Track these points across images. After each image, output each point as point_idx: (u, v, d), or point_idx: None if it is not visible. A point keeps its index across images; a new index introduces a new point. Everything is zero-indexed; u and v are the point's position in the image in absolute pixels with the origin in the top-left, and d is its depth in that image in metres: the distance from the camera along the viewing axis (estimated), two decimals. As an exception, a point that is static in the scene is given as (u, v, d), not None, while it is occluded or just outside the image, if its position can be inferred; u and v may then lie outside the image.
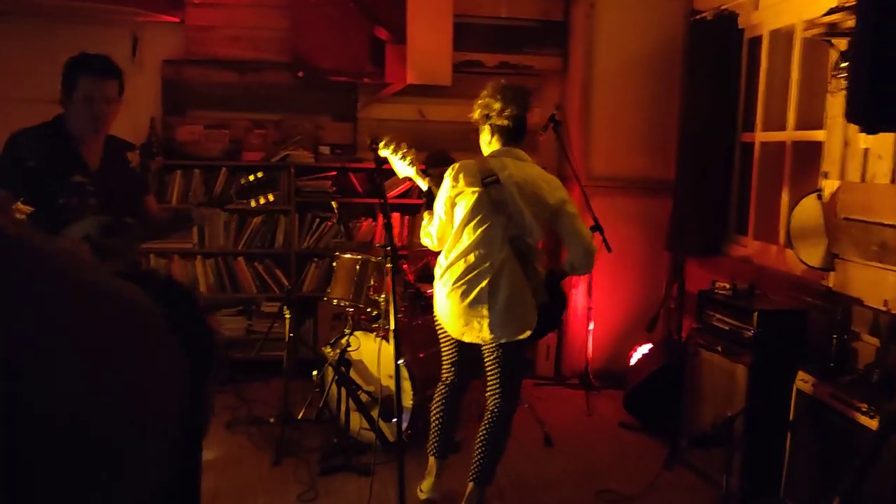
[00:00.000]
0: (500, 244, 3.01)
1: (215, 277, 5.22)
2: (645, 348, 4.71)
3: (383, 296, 3.92)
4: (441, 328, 3.26)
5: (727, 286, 3.72)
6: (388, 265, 2.69)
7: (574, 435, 4.27)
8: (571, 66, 5.44)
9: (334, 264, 4.14)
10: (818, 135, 3.76)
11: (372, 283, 3.99)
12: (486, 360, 3.18)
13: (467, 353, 3.24)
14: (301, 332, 5.26)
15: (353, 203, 5.29)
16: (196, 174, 5.15)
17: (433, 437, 3.34)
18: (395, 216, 5.37)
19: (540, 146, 5.45)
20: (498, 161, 3.09)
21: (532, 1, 5.48)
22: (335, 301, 4.05)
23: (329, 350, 3.97)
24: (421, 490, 3.39)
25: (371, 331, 3.92)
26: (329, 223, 5.26)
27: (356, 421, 3.85)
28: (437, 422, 3.33)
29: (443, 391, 3.33)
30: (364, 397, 3.81)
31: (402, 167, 3.10)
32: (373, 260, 4.01)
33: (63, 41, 5.19)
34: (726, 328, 3.62)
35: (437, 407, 3.33)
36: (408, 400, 3.81)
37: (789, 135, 4.05)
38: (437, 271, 3.16)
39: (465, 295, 3.03)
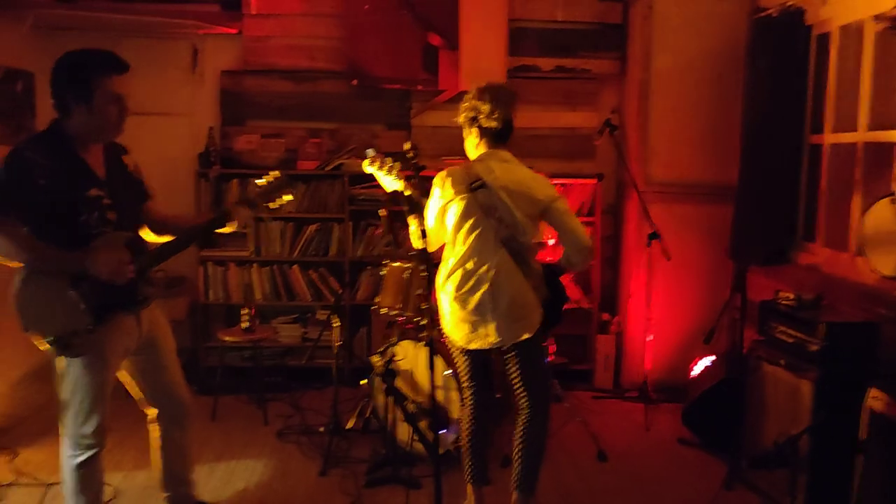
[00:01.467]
0: (495, 247, 2.98)
1: (271, 285, 5.27)
2: (707, 360, 4.51)
3: (431, 304, 3.86)
4: (450, 343, 3.18)
5: (791, 296, 3.52)
6: (423, 272, 2.60)
7: (630, 450, 4.11)
8: (629, 69, 5.29)
9: (383, 273, 4.11)
10: (892, 135, 3.54)
11: (420, 291, 3.93)
12: (506, 366, 3.13)
13: (479, 363, 3.17)
14: (355, 341, 5.27)
15: (405, 211, 5.25)
16: (252, 183, 5.20)
17: (467, 463, 3.22)
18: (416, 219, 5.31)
19: (596, 151, 5.33)
20: (483, 165, 3.04)
21: (589, 4, 5.35)
22: (383, 310, 4.02)
23: (377, 359, 3.93)
24: None
25: (419, 340, 3.87)
26: (378, 231, 5.24)
27: (404, 431, 3.80)
28: (467, 446, 3.21)
29: (468, 414, 3.21)
30: (411, 407, 3.75)
31: (389, 182, 3.03)
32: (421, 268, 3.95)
33: (127, 55, 5.35)
34: (790, 341, 3.42)
35: (465, 430, 3.23)
36: (455, 411, 3.74)
37: (861, 136, 3.81)
38: (439, 280, 3.11)
39: (467, 302, 3.00)
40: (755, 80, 4.48)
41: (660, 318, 4.90)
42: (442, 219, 3.05)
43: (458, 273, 3.01)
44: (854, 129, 3.86)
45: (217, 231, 2.88)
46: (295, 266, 5.27)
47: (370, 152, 3.03)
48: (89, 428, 2.71)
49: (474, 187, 2.97)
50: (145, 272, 2.73)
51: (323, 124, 5.44)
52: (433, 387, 2.55)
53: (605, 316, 5.33)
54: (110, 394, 2.80)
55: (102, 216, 2.61)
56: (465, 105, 3.09)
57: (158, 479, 3.11)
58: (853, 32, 3.92)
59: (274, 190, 2.94)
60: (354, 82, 5.31)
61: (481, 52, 5.12)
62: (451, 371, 3.74)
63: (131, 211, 2.78)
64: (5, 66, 4.75)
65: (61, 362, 2.64)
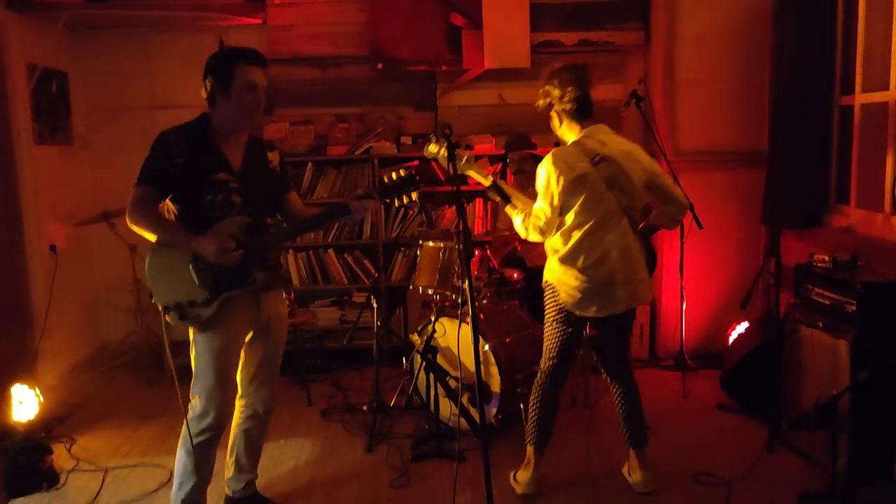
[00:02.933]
0: (618, 217, 3.09)
1: (307, 270, 5.37)
2: (742, 327, 4.53)
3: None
4: (560, 313, 3.18)
5: (826, 258, 3.52)
6: (460, 248, 2.65)
7: (669, 418, 4.15)
8: (654, 40, 5.27)
9: (418, 252, 4.18)
10: (924, 93, 3.51)
11: (456, 269, 4.00)
12: (615, 331, 3.29)
13: (578, 335, 3.24)
14: (392, 321, 5.36)
15: (437, 192, 5.32)
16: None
17: (534, 427, 3.31)
18: (478, 202, 5.37)
19: (624, 123, 5.32)
20: (593, 140, 3.10)
21: (611, -25, 5.33)
22: (420, 289, 4.09)
23: (416, 337, 4.01)
24: (516, 481, 3.37)
25: (456, 317, 3.94)
26: (412, 212, 5.31)
27: (446, 407, 3.88)
28: (538, 412, 3.29)
29: (545, 381, 3.28)
30: (452, 383, 3.83)
31: (459, 166, 3.09)
32: (456, 246, 4.02)
33: (156, 50, 5.48)
34: (827, 303, 3.44)
35: (540, 396, 3.29)
36: (496, 385, 3.81)
37: (893, 94, 3.78)
38: (558, 257, 3.12)
39: (598, 272, 3.06)
40: (783, 43, 4.45)
41: (693, 286, 4.92)
42: (565, 199, 3.04)
43: (587, 245, 3.06)
44: (885, 89, 3.83)
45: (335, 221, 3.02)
46: (330, 250, 5.36)
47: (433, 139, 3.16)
48: (207, 411, 2.85)
49: (596, 161, 3.03)
50: (258, 256, 2.84)
51: (350, 109, 5.51)
52: (478, 362, 2.60)
53: (639, 287, 5.35)
54: (235, 373, 2.96)
55: (228, 199, 2.79)
56: (540, 91, 3.17)
57: (224, 463, 3.23)
58: (881, -10, 3.88)
59: (402, 186, 2.93)
60: (380, 66, 5.36)
61: (504, 29, 5.13)
62: (489, 346, 3.81)
63: (262, 199, 2.92)
64: (41, 66, 4.87)
65: (189, 339, 2.86)
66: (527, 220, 3.12)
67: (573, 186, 3.01)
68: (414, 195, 2.96)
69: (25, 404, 3.97)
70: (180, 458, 2.94)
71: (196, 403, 2.87)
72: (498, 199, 3.21)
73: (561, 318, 3.19)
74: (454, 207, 5.37)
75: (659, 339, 5.24)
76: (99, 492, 3.49)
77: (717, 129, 5.00)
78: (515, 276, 4.42)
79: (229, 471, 3.23)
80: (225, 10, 5.13)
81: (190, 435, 2.87)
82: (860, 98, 4.07)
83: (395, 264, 5.38)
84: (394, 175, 2.91)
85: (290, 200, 3.08)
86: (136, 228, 2.75)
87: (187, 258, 2.74)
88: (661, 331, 5.22)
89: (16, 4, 4.60)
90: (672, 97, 5.04)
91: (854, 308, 3.24)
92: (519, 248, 4.96)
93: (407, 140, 5.41)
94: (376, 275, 5.16)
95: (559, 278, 3.15)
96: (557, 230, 3.10)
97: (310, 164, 5.31)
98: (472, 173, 3.19)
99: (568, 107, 3.09)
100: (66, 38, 5.19)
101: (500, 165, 5.31)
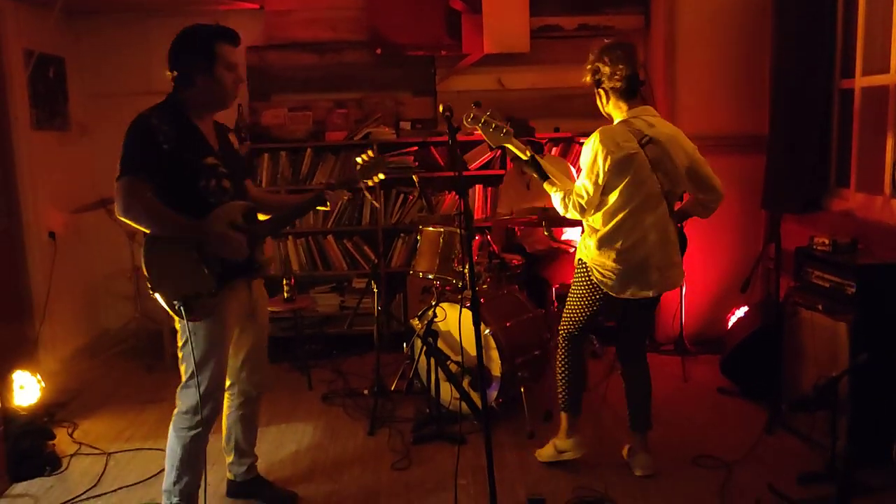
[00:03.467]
0: (659, 199, 3.09)
1: (307, 256, 5.37)
2: (742, 311, 4.54)
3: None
4: (593, 292, 3.18)
5: (826, 241, 3.53)
6: (462, 232, 2.64)
7: (670, 401, 4.17)
8: (654, 24, 5.26)
9: (418, 238, 4.18)
10: (925, 75, 3.50)
11: (456, 254, 4.00)
12: (639, 315, 3.30)
13: (605, 311, 3.26)
14: (392, 306, 5.37)
15: (436, 177, 5.32)
16: (283, 156, 5.30)
17: (566, 392, 3.33)
18: (478, 188, 5.36)
19: (623, 108, 5.31)
20: (641, 121, 3.09)
21: (610, -42, 5.31)
22: (420, 274, 4.09)
23: (417, 322, 4.02)
24: (561, 451, 3.39)
25: (457, 302, 3.94)
26: (412, 197, 5.30)
27: (447, 391, 3.89)
28: (568, 375, 3.32)
29: (569, 346, 3.31)
30: (453, 367, 3.84)
31: (498, 138, 3.05)
32: (456, 231, 4.02)
33: (152, 34, 5.44)
34: (827, 286, 3.45)
35: (568, 361, 3.32)
36: (496, 369, 3.82)
37: (894, 78, 3.78)
38: (597, 237, 3.10)
39: (637, 254, 3.07)
40: (783, 26, 4.44)
41: (693, 270, 4.91)
42: (610, 178, 3.01)
43: (628, 226, 3.05)
44: (886, 72, 3.83)
45: (315, 209, 3.03)
46: (329, 236, 5.36)
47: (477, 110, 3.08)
48: (206, 402, 2.77)
49: (644, 142, 3.02)
50: (260, 241, 2.86)
51: (349, 94, 5.49)
52: (480, 346, 2.61)
53: (638, 272, 5.36)
54: (227, 363, 2.90)
55: (220, 184, 2.74)
56: (588, 67, 3.14)
57: (223, 447, 3.23)
58: (882, -28, 3.86)
59: (371, 168, 3.01)
60: (378, 51, 5.34)
61: (504, 14, 5.10)
62: (489, 330, 3.81)
63: (242, 183, 2.90)
64: (38, 51, 4.84)
65: (183, 332, 2.73)
66: (567, 198, 3.09)
67: (620, 166, 2.99)
68: (381, 175, 3.04)
69: (27, 390, 3.97)
70: (175, 452, 2.85)
71: (191, 395, 2.77)
72: (535, 174, 3.18)
73: (594, 296, 3.19)
74: (454, 193, 5.37)
75: (659, 323, 5.25)
76: (101, 475, 3.50)
77: (718, 113, 5.00)
78: (515, 261, 4.42)
79: (229, 457, 3.23)
80: (222, -6, 5.11)
81: (186, 427, 2.81)
82: (860, 81, 4.07)
83: (395, 250, 5.38)
84: (361, 159, 2.99)
85: (249, 186, 3.03)
86: (131, 222, 2.60)
87: (189, 249, 2.65)
88: (662, 315, 5.22)
89: (12, -11, 4.58)
90: (672, 82, 5.02)
91: (853, 290, 3.25)
92: (519, 234, 4.96)
93: (406, 125, 5.40)
94: (376, 260, 5.17)
95: (594, 258, 3.13)
96: (599, 209, 3.08)
97: (308, 149, 5.29)
98: (510, 147, 3.12)
99: (618, 85, 3.06)
100: (62, 23, 5.16)
101: (499, 151, 5.30)
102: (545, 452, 3.47)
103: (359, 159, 3.03)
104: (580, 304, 3.25)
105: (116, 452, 3.73)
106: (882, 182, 3.86)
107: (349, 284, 5.47)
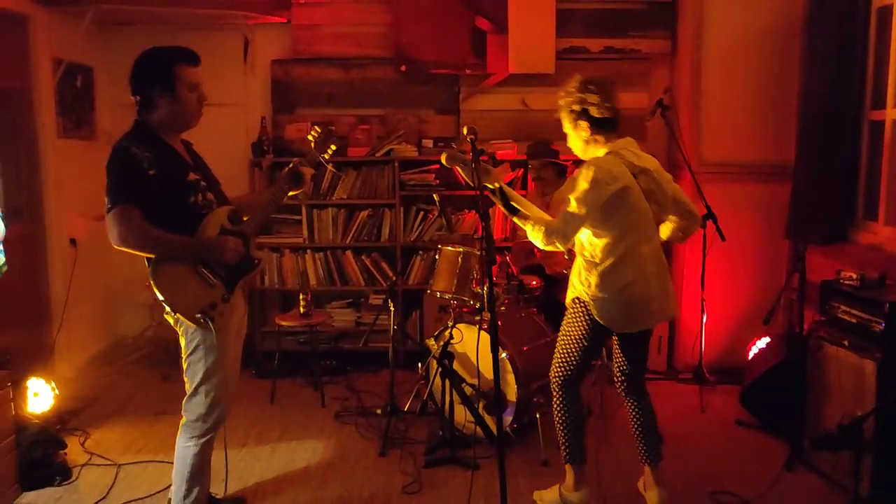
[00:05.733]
0: (654, 230, 3.09)
1: (325, 271, 5.36)
2: (763, 342, 4.46)
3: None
4: (591, 332, 3.08)
5: (854, 276, 3.45)
6: (482, 254, 2.59)
7: (686, 432, 4.09)
8: (680, 48, 5.22)
9: (437, 257, 4.15)
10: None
11: (475, 275, 3.97)
12: (638, 346, 3.22)
13: (601, 348, 3.21)
14: (408, 324, 5.33)
15: (456, 195, 5.30)
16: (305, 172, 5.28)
17: (569, 443, 3.20)
18: (498, 207, 5.32)
19: (648, 132, 5.28)
20: (629, 152, 3.03)
21: (637, -18, 5.29)
22: (438, 293, 4.06)
23: (433, 342, 3.98)
24: (567, 501, 3.24)
25: (474, 323, 3.90)
26: (432, 215, 5.29)
27: (461, 413, 3.85)
28: (567, 426, 3.19)
29: (564, 393, 3.19)
30: (468, 390, 3.79)
31: (475, 177, 2.88)
32: (475, 252, 3.99)
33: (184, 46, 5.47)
34: (853, 321, 3.37)
35: (565, 410, 3.19)
36: (512, 394, 3.77)
37: (925, 111, 3.72)
38: (599, 270, 3.00)
39: (644, 285, 3.01)
40: (812, 55, 4.39)
41: (713, 299, 4.86)
42: (607, 210, 2.93)
43: (629, 258, 2.99)
44: (918, 104, 3.76)
45: (290, 193, 3.06)
46: (348, 252, 5.35)
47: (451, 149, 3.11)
48: (215, 408, 2.83)
49: (637, 173, 2.98)
50: (252, 239, 2.91)
51: (372, 111, 5.49)
52: (497, 370, 2.57)
53: (658, 298, 5.29)
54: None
55: (205, 197, 2.81)
56: (569, 98, 3.03)
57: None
58: (917, 4, 3.81)
59: (323, 141, 3.12)
60: (403, 68, 5.34)
61: (530, 34, 5.09)
62: (507, 354, 3.77)
63: (220, 192, 2.95)
64: (67, 60, 4.89)
65: (192, 341, 2.77)
66: (550, 228, 2.97)
67: (617, 198, 2.92)
68: (333, 147, 3.16)
69: (41, 397, 3.97)
70: (184, 464, 2.87)
71: (201, 403, 2.81)
72: (516, 219, 3.04)
73: (590, 336, 3.08)
74: (473, 211, 5.34)
75: (677, 351, 5.18)
76: (111, 487, 3.48)
77: (743, 140, 4.94)
78: (534, 283, 4.38)
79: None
80: (250, 8, 5.13)
81: (196, 436, 2.85)
82: (891, 113, 4.00)
83: (413, 267, 5.36)
84: (311, 136, 3.11)
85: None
86: (130, 251, 2.62)
87: (193, 262, 2.69)
88: (680, 343, 5.16)
89: (44, -2, 4.63)
90: (697, 107, 4.98)
91: (882, 327, 3.17)
92: (538, 255, 4.92)
93: (428, 143, 5.39)
94: (393, 277, 5.14)
95: (596, 294, 3.01)
96: (600, 242, 3.00)
97: (330, 164, 5.28)
98: (487, 184, 3.03)
99: (607, 115, 2.99)
100: (92, 34, 5.21)
101: (521, 171, 5.28)
102: (547, 497, 3.31)
103: (310, 137, 3.13)
104: (577, 347, 3.12)
105: (127, 464, 3.71)
106: (912, 216, 3.79)
107: (366, 300, 5.45)
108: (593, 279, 3.02)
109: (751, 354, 4.50)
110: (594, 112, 2.98)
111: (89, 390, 4.72)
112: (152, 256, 2.64)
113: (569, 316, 3.15)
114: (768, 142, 4.91)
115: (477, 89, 5.44)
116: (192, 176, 2.78)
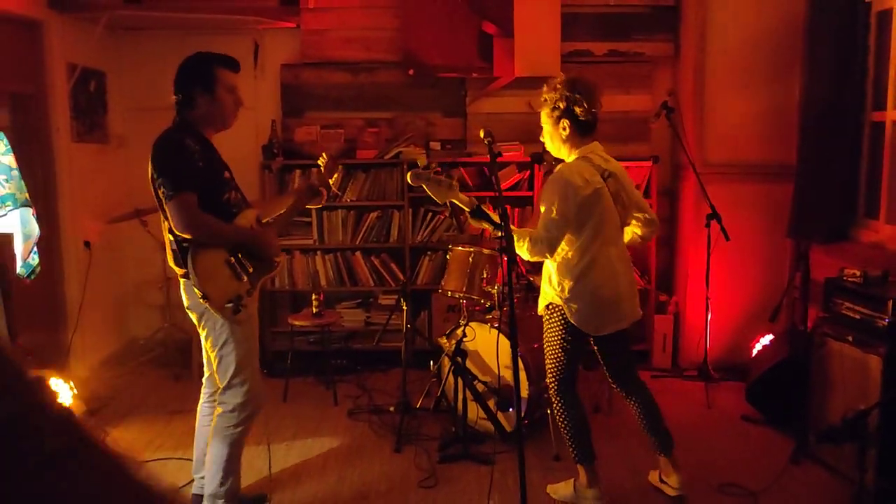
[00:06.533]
0: (620, 232, 3.18)
1: (335, 272, 5.44)
2: (767, 339, 4.55)
3: (496, 287, 3.98)
4: (568, 335, 3.13)
5: (857, 273, 3.54)
6: (504, 256, 2.66)
7: (693, 428, 4.18)
8: (683, 52, 5.31)
9: (448, 257, 4.23)
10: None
11: (485, 274, 4.05)
12: (619, 346, 3.29)
13: (584, 349, 3.25)
14: (416, 324, 5.41)
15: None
16: (314, 173, 5.36)
17: (576, 444, 3.24)
18: (507, 208, 5.41)
19: (652, 134, 5.37)
20: (597, 156, 3.11)
21: (642, -14, 5.38)
22: (449, 293, 4.14)
23: (445, 341, 4.06)
24: (582, 497, 3.28)
25: (485, 322, 3.98)
26: (441, 217, 5.37)
27: (473, 411, 3.93)
28: (570, 428, 3.22)
29: (561, 398, 3.23)
30: (480, 387, 3.88)
31: (443, 194, 2.92)
32: (485, 252, 4.07)
33: (192, 51, 5.52)
34: (857, 317, 3.46)
35: (565, 414, 3.22)
36: (523, 390, 3.85)
37: (925, 112, 3.81)
38: (573, 273, 3.05)
39: (614, 287, 3.09)
40: (814, 57, 4.48)
41: (718, 297, 4.94)
42: (581, 213, 2.99)
43: (602, 260, 3.05)
44: (918, 106, 3.86)
45: (308, 206, 3.30)
46: (357, 253, 5.43)
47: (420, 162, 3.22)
48: (252, 397, 2.94)
49: (606, 176, 3.06)
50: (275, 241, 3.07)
51: (380, 114, 5.57)
52: (516, 368, 2.66)
53: (663, 296, 5.39)
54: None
55: (237, 195, 2.97)
56: (552, 96, 3.06)
57: (195, 459, 3.31)
58: (916, 8, 3.90)
59: (330, 169, 3.33)
60: (411, 72, 5.42)
61: (535, 38, 5.18)
62: (518, 352, 3.84)
63: (243, 194, 3.08)
64: (81, 65, 4.96)
65: (221, 335, 2.86)
66: (532, 241, 2.96)
67: (590, 201, 2.99)
68: (337, 175, 3.35)
69: (61, 397, 4.05)
70: (220, 454, 2.97)
71: (237, 393, 2.92)
72: (485, 224, 2.95)
73: (569, 338, 3.13)
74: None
75: (682, 349, 5.27)
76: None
77: (746, 141, 5.03)
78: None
79: (198, 469, 3.27)
80: (260, 13, 5.21)
81: (233, 425, 2.94)
82: (892, 114, 4.09)
83: (422, 268, 5.44)
84: (322, 159, 3.33)
85: None
86: (196, 237, 2.72)
87: (225, 253, 2.81)
88: (685, 341, 5.25)
89: (58, 4, 4.70)
90: (701, 109, 5.07)
91: (886, 323, 3.26)
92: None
93: (436, 146, 5.47)
94: (403, 278, 5.22)
95: (569, 298, 3.07)
96: (572, 245, 3.05)
97: (339, 167, 5.36)
98: (455, 201, 2.96)
99: (589, 118, 3.05)
100: (105, 39, 5.28)
101: (528, 172, 5.36)
102: (562, 491, 3.37)
103: (319, 162, 3.33)
104: (560, 351, 3.16)
105: (148, 461, 3.79)
106: (912, 215, 3.88)
107: (375, 301, 5.53)
108: (566, 283, 3.07)
109: (755, 351, 4.59)
110: (579, 113, 3.03)
111: (104, 390, 4.79)
112: (189, 245, 2.74)
113: (546, 324, 3.21)
114: (771, 142, 5.00)
115: (483, 92, 5.52)
116: (226, 174, 2.95)
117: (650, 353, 5.28)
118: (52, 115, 4.74)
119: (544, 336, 3.24)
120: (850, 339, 3.45)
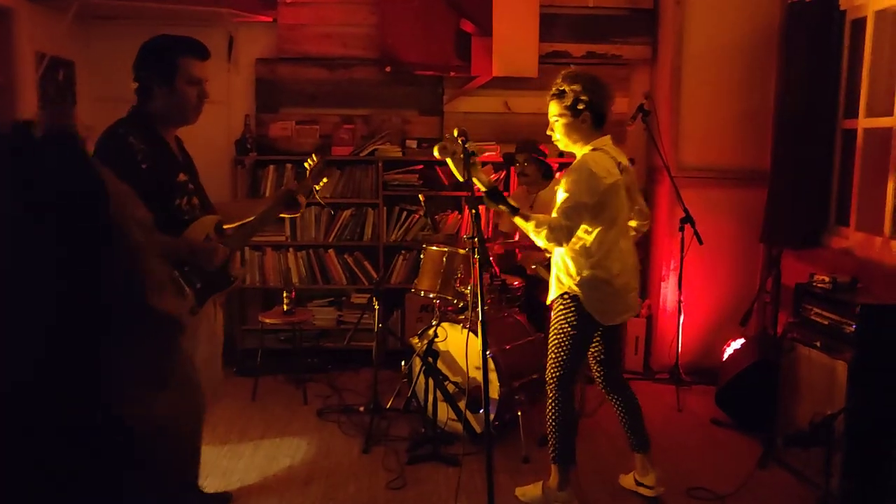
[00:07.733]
0: (629, 224, 3.26)
1: (307, 269, 5.38)
2: (738, 343, 4.57)
3: (469, 287, 3.96)
4: (581, 324, 3.10)
5: (826, 279, 3.57)
6: (475, 257, 2.62)
7: (663, 431, 4.18)
8: (660, 55, 5.32)
9: (421, 256, 4.20)
10: (928, 120, 3.55)
11: (458, 274, 4.02)
12: (616, 340, 3.38)
13: (590, 343, 3.25)
14: (389, 323, 5.37)
15: (440, 196, 5.35)
16: (288, 169, 5.32)
17: (560, 443, 3.22)
18: (481, 208, 5.39)
19: (628, 136, 5.37)
20: (613, 149, 3.17)
21: (619, -11, 5.38)
22: (422, 292, 4.11)
23: (417, 341, 4.03)
24: (551, 500, 3.26)
25: (458, 322, 3.96)
26: (416, 216, 5.33)
27: (443, 411, 3.90)
28: (558, 427, 3.21)
29: (559, 394, 3.19)
30: (451, 388, 3.85)
31: (464, 169, 2.93)
32: (459, 252, 4.04)
33: (164, 43, 5.46)
34: (825, 323, 3.48)
35: (559, 410, 3.19)
36: (494, 392, 3.83)
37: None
38: (591, 262, 3.05)
39: (623, 278, 3.14)
40: (788, 65, 4.52)
41: (690, 301, 4.96)
42: (602, 204, 3.01)
43: (618, 251, 3.12)
44: (889, 114, 3.89)
45: (282, 215, 3.05)
46: (330, 250, 5.37)
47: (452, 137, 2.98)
48: None
49: (621, 169, 3.11)
50: (233, 254, 2.81)
51: (356, 111, 5.52)
52: (485, 369, 2.63)
53: (636, 299, 5.39)
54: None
55: (190, 201, 2.68)
56: (575, 88, 3.04)
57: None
58: (889, 17, 3.94)
59: (319, 171, 3.15)
60: (388, 69, 5.38)
61: (514, 38, 5.17)
62: (490, 353, 3.82)
63: (206, 197, 2.85)
64: (49, 55, 4.86)
65: None
66: (553, 225, 2.97)
67: (609, 192, 3.03)
68: (325, 180, 3.18)
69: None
70: None
71: None
72: (502, 207, 3.05)
73: (582, 328, 3.12)
74: (457, 212, 5.40)
75: (654, 352, 5.28)
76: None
77: (721, 146, 5.05)
78: (516, 283, 4.44)
79: None
80: (236, 6, 5.13)
81: None
82: (863, 122, 4.13)
83: (395, 267, 5.40)
84: (308, 164, 3.15)
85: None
86: None
87: (166, 269, 2.62)
88: (657, 344, 5.26)
89: (27, -8, 4.60)
90: (677, 113, 5.08)
91: (853, 329, 3.28)
92: (520, 256, 4.99)
93: (412, 144, 5.44)
94: (376, 277, 5.18)
95: (586, 286, 3.06)
96: (589, 235, 3.07)
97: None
98: (475, 180, 3.03)
99: (604, 112, 3.12)
100: (75, 27, 5.18)
101: (503, 172, 5.35)
102: (530, 493, 3.33)
103: (307, 164, 3.14)
104: (568, 341, 3.12)
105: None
106: (882, 222, 3.91)
107: (347, 299, 5.48)
108: (585, 271, 3.08)
109: (726, 355, 4.61)
110: (602, 107, 3.10)
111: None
112: None
113: (556, 313, 3.19)
114: (745, 148, 5.03)
115: (461, 91, 5.50)
116: (181, 177, 2.66)
117: (622, 355, 5.27)
118: (20, 104, 4.63)
119: (552, 326, 3.21)
120: (818, 344, 3.47)
